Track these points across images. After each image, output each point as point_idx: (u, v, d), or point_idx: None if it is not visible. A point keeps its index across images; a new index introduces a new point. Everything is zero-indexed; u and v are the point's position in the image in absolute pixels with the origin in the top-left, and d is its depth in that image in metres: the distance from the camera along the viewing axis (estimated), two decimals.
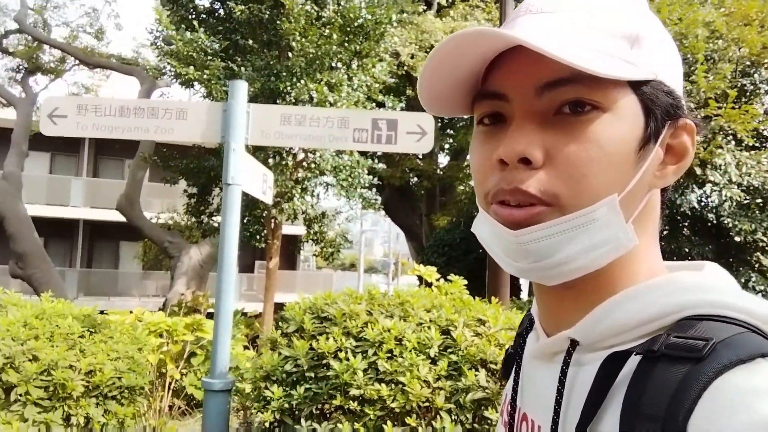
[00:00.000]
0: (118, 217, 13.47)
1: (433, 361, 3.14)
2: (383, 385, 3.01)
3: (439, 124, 13.65)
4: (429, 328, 3.24)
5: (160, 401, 4.89)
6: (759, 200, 7.24)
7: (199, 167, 9.28)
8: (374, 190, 11.79)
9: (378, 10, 8.28)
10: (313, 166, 8.59)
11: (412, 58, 11.38)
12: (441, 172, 14.55)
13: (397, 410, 2.96)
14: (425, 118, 3.44)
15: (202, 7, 9.20)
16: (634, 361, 0.51)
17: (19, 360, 3.72)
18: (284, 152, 8.20)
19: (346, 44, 8.22)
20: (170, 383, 5.03)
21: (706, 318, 0.51)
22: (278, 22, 7.99)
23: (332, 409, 3.06)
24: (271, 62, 8.08)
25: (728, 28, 7.70)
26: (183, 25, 8.35)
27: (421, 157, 14.00)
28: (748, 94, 7.73)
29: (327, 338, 3.21)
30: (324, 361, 3.15)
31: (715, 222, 7.10)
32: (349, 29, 8.19)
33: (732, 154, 7.09)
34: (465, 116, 0.69)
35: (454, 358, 3.13)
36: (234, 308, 4.33)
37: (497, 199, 0.56)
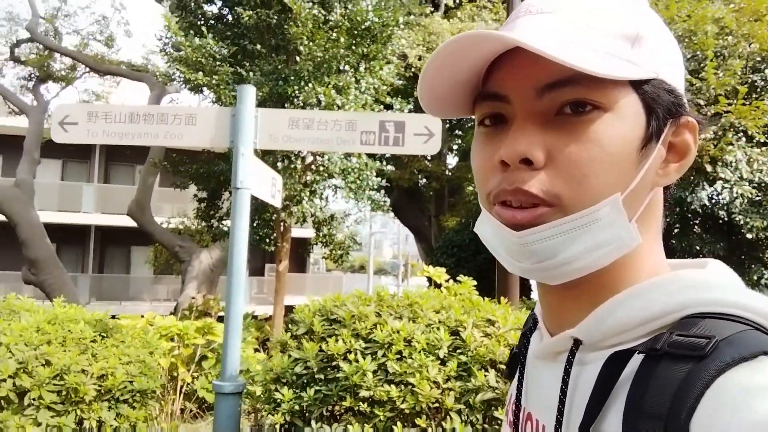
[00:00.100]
0: (129, 222, 13.57)
1: (443, 362, 3.13)
2: (393, 386, 3.01)
3: (447, 125, 13.64)
4: (438, 329, 3.24)
5: (171, 404, 4.92)
6: None
7: (208, 172, 9.33)
8: (383, 192, 11.79)
9: (385, 12, 8.29)
10: (321, 169, 8.61)
11: (419, 59, 11.38)
12: (449, 173, 14.53)
13: (407, 411, 2.96)
14: (432, 119, 3.44)
15: (210, 13, 9.25)
16: (637, 359, 0.51)
17: (32, 365, 3.75)
18: (293, 156, 8.23)
19: (353, 47, 8.23)
20: (182, 386, 5.05)
21: (709, 316, 0.51)
22: (286, 26, 8.02)
23: (342, 411, 3.06)
24: (279, 66, 8.12)
25: (738, 24, 7.64)
26: (192, 31, 8.41)
27: (429, 158, 13.99)
28: (758, 90, 7.66)
29: (336, 340, 3.22)
30: (334, 363, 3.15)
31: (726, 219, 7.04)
32: (356, 32, 8.20)
33: (743, 151, 7.03)
34: (466, 117, 0.69)
35: (463, 358, 3.13)
36: (244, 311, 4.35)
37: (499, 200, 0.56)
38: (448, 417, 2.97)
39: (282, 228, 9.11)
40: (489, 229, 0.59)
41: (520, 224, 0.55)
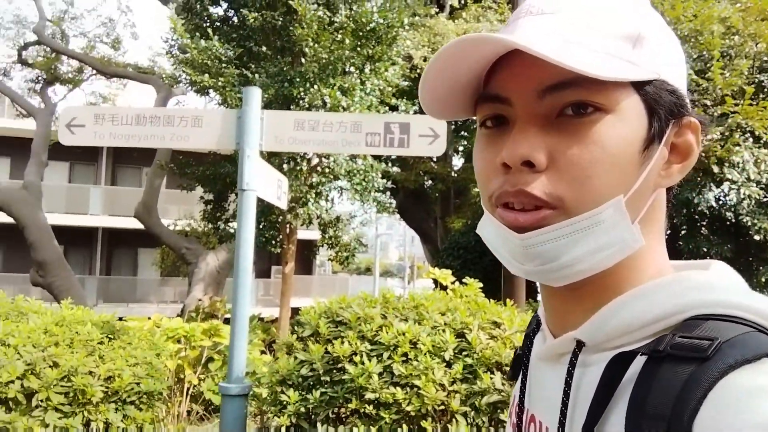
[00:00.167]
0: (136, 224, 13.63)
1: (448, 365, 3.13)
2: (398, 388, 3.01)
3: (453, 127, 13.63)
4: (444, 331, 3.24)
5: (178, 406, 4.93)
6: None
7: (215, 174, 9.36)
8: (388, 193, 11.79)
9: (390, 13, 8.30)
10: (327, 170, 8.62)
11: (424, 60, 11.38)
12: (455, 175, 14.50)
13: (413, 414, 2.96)
14: (437, 120, 3.44)
15: (216, 16, 9.30)
16: (639, 361, 0.51)
17: (40, 366, 3.77)
18: (298, 157, 8.25)
19: (358, 49, 8.25)
20: (188, 388, 5.07)
21: (712, 318, 0.51)
22: (291, 28, 8.05)
23: (348, 413, 3.06)
24: (285, 68, 8.14)
25: (744, 24, 7.59)
26: (197, 34, 8.45)
27: (435, 159, 13.98)
28: (765, 90, 7.61)
29: (342, 342, 3.22)
30: (339, 365, 3.16)
31: (733, 220, 6.99)
32: (361, 34, 8.22)
33: (750, 152, 6.98)
34: (469, 119, 0.69)
35: (469, 361, 3.13)
36: (250, 313, 4.36)
37: (501, 201, 0.56)
38: (453, 419, 2.97)
39: (288, 230, 9.13)
40: (492, 231, 0.59)
41: (522, 227, 0.55)
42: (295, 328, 3.65)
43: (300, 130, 3.48)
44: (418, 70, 11.14)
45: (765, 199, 7.05)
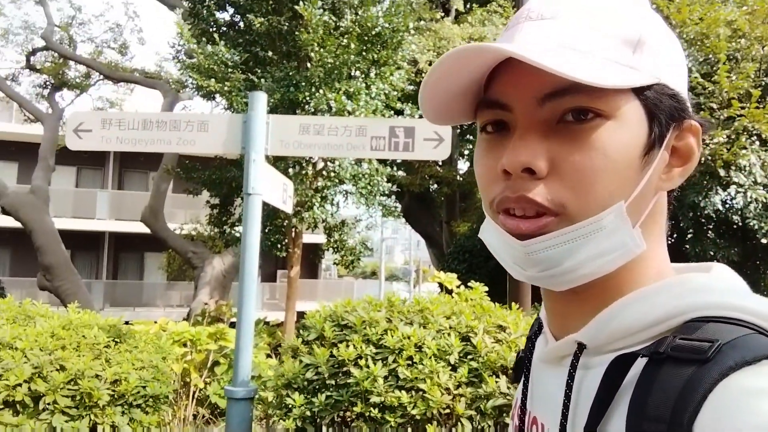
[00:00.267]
0: (142, 228, 13.69)
1: (454, 368, 3.13)
2: (403, 392, 3.01)
3: (458, 131, 13.62)
4: (449, 334, 3.24)
5: (184, 410, 4.94)
6: None
7: (220, 178, 9.39)
8: (394, 197, 11.79)
9: (395, 18, 8.32)
10: (332, 174, 8.63)
11: (430, 65, 11.39)
12: (461, 179, 14.48)
13: (418, 417, 2.95)
14: None
15: (222, 21, 9.34)
16: (640, 363, 0.51)
17: (47, 370, 3.79)
18: (304, 162, 8.26)
19: (364, 53, 8.27)
20: (194, 392, 5.07)
21: (712, 320, 0.51)
22: (297, 33, 8.08)
23: (353, 417, 3.06)
24: (290, 73, 8.16)
25: (751, 27, 7.56)
26: (204, 39, 8.49)
27: (440, 163, 13.97)
28: None
29: (347, 346, 3.22)
30: (344, 369, 3.16)
31: (740, 224, 6.95)
32: (366, 38, 8.24)
33: (756, 155, 6.95)
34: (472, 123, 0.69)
35: (474, 364, 3.12)
36: (256, 317, 4.37)
37: (502, 207, 0.57)
38: (459, 423, 2.96)
39: (293, 234, 9.14)
40: (494, 237, 0.60)
41: (524, 234, 0.55)
42: (301, 331, 3.66)
43: (305, 134, 3.49)
44: (424, 74, 11.14)
45: None
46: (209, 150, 3.58)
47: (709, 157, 6.81)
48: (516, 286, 5.60)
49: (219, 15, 9.28)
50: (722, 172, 6.86)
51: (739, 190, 6.86)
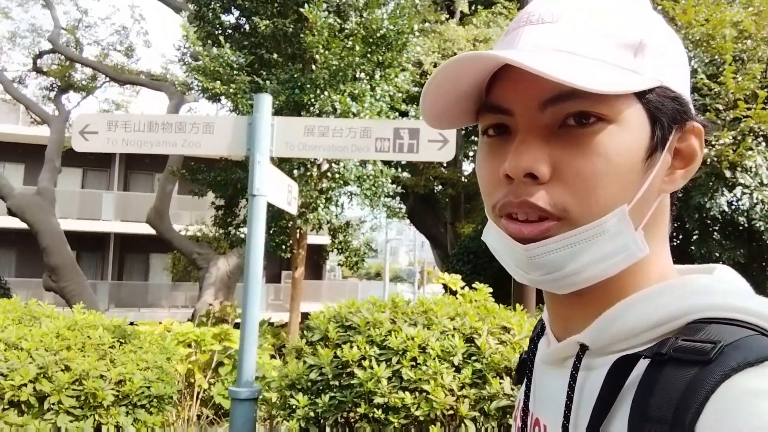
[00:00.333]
0: (148, 229, 13.74)
1: (457, 369, 3.12)
2: (407, 393, 3.00)
3: (463, 132, 13.60)
4: (453, 336, 3.23)
5: (188, 410, 4.96)
6: None
7: (226, 179, 9.42)
8: (398, 198, 11.79)
9: (400, 20, 8.33)
10: (337, 176, 8.65)
11: (434, 66, 11.39)
12: (465, 180, 14.46)
13: (422, 418, 2.95)
14: None
15: (227, 23, 9.37)
16: (643, 364, 0.51)
17: (52, 370, 3.80)
18: (309, 163, 8.28)
19: (368, 55, 8.28)
20: (198, 392, 5.09)
21: (715, 321, 0.51)
22: (302, 35, 8.10)
23: (357, 418, 3.06)
24: (295, 75, 8.19)
25: (757, 28, 7.53)
26: (209, 41, 8.52)
27: (445, 164, 13.97)
28: None
29: (351, 347, 3.22)
30: (348, 370, 3.16)
31: (746, 225, 6.92)
32: (371, 40, 8.25)
33: (763, 156, 6.92)
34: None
35: (478, 365, 3.12)
36: (260, 318, 4.38)
37: (505, 211, 0.57)
38: (462, 424, 2.96)
39: (298, 235, 9.16)
40: (497, 240, 0.60)
41: (527, 238, 0.55)
42: (305, 332, 3.66)
43: (310, 136, 3.50)
44: (428, 76, 11.11)
45: None
46: (214, 152, 3.59)
47: (715, 159, 6.79)
48: (520, 288, 5.59)
49: (224, 18, 9.32)
50: (728, 174, 6.83)
51: (745, 191, 6.83)
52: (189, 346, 5.28)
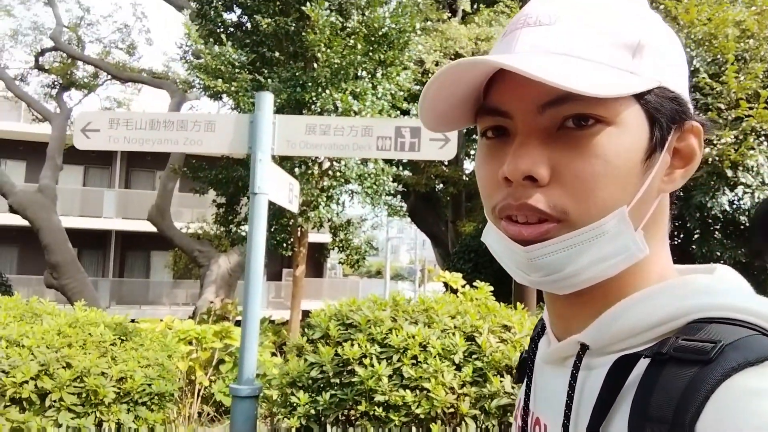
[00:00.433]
0: (149, 227, 13.75)
1: (458, 368, 3.13)
2: (408, 391, 3.01)
3: (464, 131, 13.60)
4: (453, 334, 3.24)
5: (189, 408, 4.97)
6: None
7: (227, 177, 9.42)
8: (399, 197, 11.79)
9: (402, 18, 8.33)
10: (338, 174, 8.64)
11: (436, 65, 11.38)
12: (467, 178, 14.44)
13: (422, 416, 2.96)
14: None
15: (229, 21, 9.37)
16: (643, 364, 0.51)
17: (53, 367, 3.81)
18: (310, 161, 8.28)
19: (370, 53, 8.27)
20: (199, 390, 5.10)
21: (715, 321, 0.51)
22: (304, 33, 8.09)
23: (357, 415, 3.07)
24: (297, 73, 8.18)
25: (760, 27, 7.52)
26: (211, 39, 8.52)
27: (446, 163, 13.96)
28: None
29: (352, 344, 3.23)
30: (349, 368, 3.16)
31: (747, 225, 6.92)
32: (373, 39, 8.24)
33: (764, 155, 6.91)
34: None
35: (479, 364, 3.12)
36: (261, 316, 4.38)
37: (505, 214, 0.57)
38: (463, 422, 2.97)
39: (299, 233, 9.16)
40: (496, 242, 0.60)
41: (527, 240, 0.55)
42: (306, 330, 3.67)
43: (311, 134, 3.50)
44: (430, 75, 11.12)
45: None
46: (216, 150, 3.60)
47: (717, 158, 6.78)
48: (521, 286, 5.60)
49: (226, 16, 9.31)
50: (729, 173, 6.83)
51: (747, 190, 6.83)
52: (190, 343, 5.29)
